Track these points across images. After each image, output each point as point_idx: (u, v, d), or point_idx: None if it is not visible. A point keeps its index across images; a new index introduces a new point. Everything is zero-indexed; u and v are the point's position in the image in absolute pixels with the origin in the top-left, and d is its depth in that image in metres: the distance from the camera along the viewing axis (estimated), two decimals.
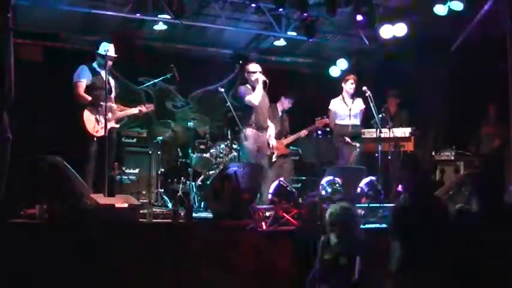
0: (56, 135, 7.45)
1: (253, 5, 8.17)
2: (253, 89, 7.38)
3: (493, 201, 3.86)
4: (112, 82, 6.97)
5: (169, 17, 7.91)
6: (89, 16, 8.03)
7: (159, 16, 8.03)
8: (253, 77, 7.40)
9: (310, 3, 8.06)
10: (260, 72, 7.44)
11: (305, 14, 8.30)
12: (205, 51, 9.60)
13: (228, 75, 9.78)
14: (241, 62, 9.46)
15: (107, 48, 6.64)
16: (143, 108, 7.23)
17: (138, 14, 7.96)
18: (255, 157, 7.32)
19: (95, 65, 6.86)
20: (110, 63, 6.74)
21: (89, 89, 6.71)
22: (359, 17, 8.29)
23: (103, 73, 6.77)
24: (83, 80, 6.70)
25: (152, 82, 8.28)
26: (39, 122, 7.71)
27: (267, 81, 7.38)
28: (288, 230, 5.68)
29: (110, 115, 6.65)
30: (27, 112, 7.16)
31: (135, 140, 8.21)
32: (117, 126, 7.02)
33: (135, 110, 7.16)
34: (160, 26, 8.49)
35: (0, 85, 5.16)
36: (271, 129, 7.87)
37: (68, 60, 7.69)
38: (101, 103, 6.60)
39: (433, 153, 8.69)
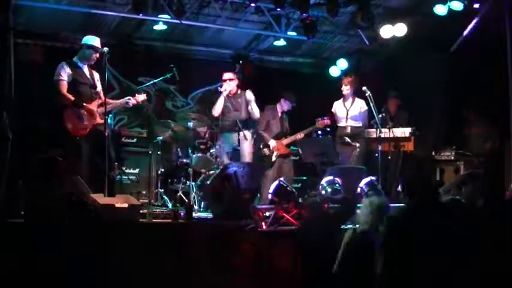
0: (55, 135, 7.42)
1: (253, 4, 8.17)
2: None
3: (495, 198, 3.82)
4: (96, 76, 6.67)
5: (169, 17, 7.91)
6: (89, 16, 8.03)
7: (159, 16, 8.03)
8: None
9: (310, 3, 8.06)
10: (231, 80, 7.63)
11: (305, 14, 8.30)
12: (205, 51, 9.59)
13: None
14: (241, 62, 9.49)
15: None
16: (131, 100, 6.80)
17: (138, 14, 7.95)
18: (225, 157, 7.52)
19: (75, 59, 6.59)
20: (95, 56, 6.55)
21: (70, 86, 6.44)
22: None
23: (85, 67, 6.57)
24: (64, 78, 6.41)
25: (152, 82, 8.27)
26: (39, 122, 7.69)
27: (225, 96, 7.52)
28: (288, 230, 5.68)
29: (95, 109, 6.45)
30: (27, 112, 7.15)
31: (135, 140, 8.22)
32: (101, 121, 6.49)
33: (122, 101, 6.82)
34: (160, 26, 8.50)
35: (0, 85, 5.18)
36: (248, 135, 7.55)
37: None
38: (83, 100, 6.41)
39: (433, 153, 8.68)
